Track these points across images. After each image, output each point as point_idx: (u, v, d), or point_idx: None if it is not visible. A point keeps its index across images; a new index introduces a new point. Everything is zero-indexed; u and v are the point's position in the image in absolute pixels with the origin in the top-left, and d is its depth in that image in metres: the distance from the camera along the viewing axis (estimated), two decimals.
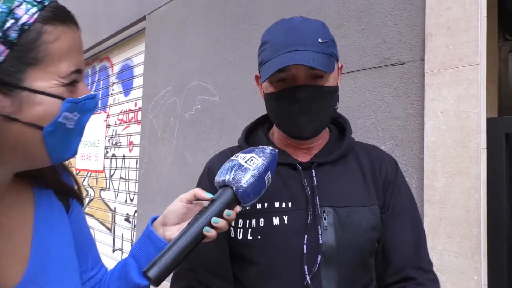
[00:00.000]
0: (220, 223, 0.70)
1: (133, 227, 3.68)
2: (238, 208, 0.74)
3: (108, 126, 4.31)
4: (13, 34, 0.52)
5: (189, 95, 2.79)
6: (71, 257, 0.69)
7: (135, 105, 3.76)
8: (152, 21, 3.30)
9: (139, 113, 3.57)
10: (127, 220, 3.81)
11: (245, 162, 0.74)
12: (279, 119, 0.88)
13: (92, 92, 0.61)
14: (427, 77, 1.44)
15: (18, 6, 0.52)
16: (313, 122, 0.83)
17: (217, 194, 0.74)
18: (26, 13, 0.53)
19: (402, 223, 0.86)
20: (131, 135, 3.82)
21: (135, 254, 0.76)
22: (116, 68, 4.20)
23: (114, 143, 4.15)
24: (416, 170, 1.47)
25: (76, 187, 0.76)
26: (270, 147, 0.79)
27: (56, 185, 0.71)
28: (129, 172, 3.82)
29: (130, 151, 3.82)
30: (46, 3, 0.55)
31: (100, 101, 4.51)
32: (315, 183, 0.84)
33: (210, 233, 0.70)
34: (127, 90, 3.97)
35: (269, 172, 0.75)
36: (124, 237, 3.85)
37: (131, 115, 3.84)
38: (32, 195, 0.67)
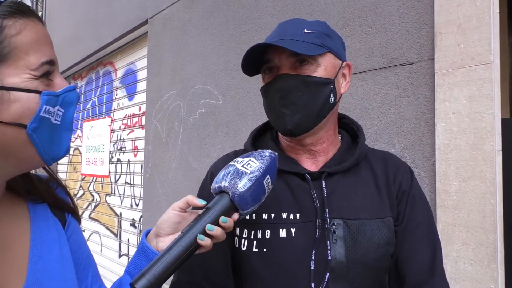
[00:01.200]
0: (216, 231, 0.66)
1: (139, 232, 3.65)
2: (236, 216, 0.69)
3: (112, 131, 4.29)
4: None
5: (193, 99, 2.75)
6: (70, 272, 0.66)
7: (139, 109, 3.74)
8: (154, 25, 3.28)
9: (143, 118, 3.54)
10: (133, 225, 3.79)
11: (242, 166, 0.70)
12: (268, 114, 0.85)
13: (70, 84, 0.60)
14: (438, 77, 1.39)
15: None
16: (296, 114, 0.78)
17: (212, 201, 0.70)
18: None
19: (417, 238, 0.81)
20: (135, 140, 3.80)
21: (130, 270, 0.73)
22: (120, 73, 4.18)
23: (119, 148, 4.13)
24: (427, 174, 1.42)
25: (70, 202, 0.73)
26: (269, 150, 0.75)
27: (50, 199, 0.69)
28: (134, 177, 3.80)
29: (135, 155, 3.80)
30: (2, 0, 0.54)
31: (104, 106, 4.50)
32: (325, 195, 0.79)
33: (205, 241, 0.65)
34: (131, 94, 3.95)
35: (268, 176, 0.71)
36: (130, 242, 3.82)
37: (135, 119, 3.82)
38: (27, 210, 0.65)
